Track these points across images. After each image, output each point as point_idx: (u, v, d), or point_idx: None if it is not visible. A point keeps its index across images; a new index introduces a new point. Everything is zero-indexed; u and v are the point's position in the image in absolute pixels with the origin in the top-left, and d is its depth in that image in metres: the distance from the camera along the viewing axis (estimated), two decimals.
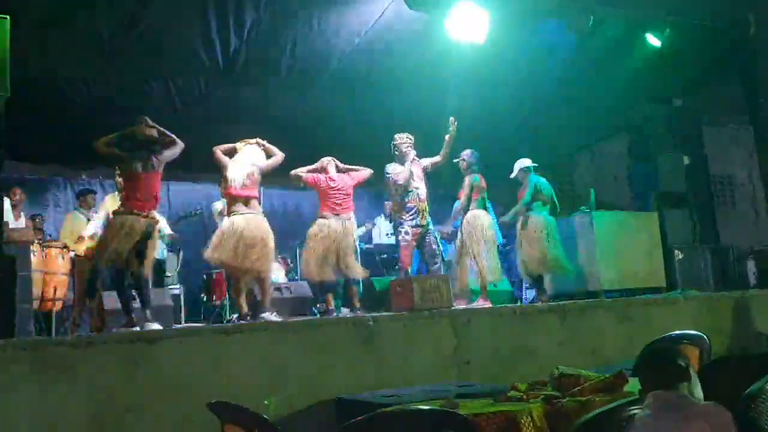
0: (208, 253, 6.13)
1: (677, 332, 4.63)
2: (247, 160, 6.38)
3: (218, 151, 6.41)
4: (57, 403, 4.12)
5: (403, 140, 7.07)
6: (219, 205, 8.52)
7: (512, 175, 7.72)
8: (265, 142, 6.54)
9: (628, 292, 7.92)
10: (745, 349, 6.49)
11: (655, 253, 8.52)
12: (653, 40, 8.24)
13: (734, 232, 9.70)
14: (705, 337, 4.49)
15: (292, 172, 6.88)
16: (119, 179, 6.35)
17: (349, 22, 7.65)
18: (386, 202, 9.91)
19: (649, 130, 9.84)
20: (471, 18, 7.26)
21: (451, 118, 7.01)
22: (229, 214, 6.25)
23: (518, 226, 7.58)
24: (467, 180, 7.34)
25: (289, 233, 9.51)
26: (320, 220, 6.77)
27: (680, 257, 8.51)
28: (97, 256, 5.80)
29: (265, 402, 2.95)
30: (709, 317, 6.83)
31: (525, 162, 7.69)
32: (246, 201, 6.24)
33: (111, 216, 6.01)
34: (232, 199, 6.27)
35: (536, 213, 7.49)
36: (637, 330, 6.15)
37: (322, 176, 6.88)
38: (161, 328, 5.50)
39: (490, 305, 6.98)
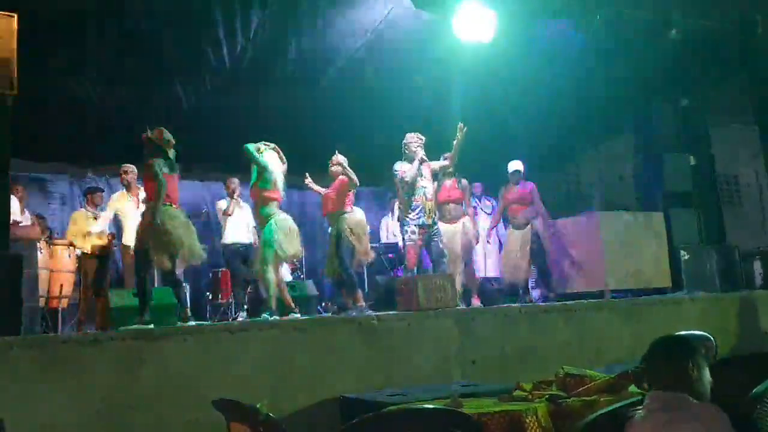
0: (284, 252, 6.29)
1: (683, 332, 4.63)
2: (279, 164, 6.56)
3: (255, 151, 6.47)
4: (63, 400, 4.13)
5: (414, 139, 7.05)
6: (223, 204, 8.53)
7: (513, 170, 7.86)
8: (278, 149, 6.69)
9: (634, 292, 7.90)
10: (751, 350, 6.47)
11: (661, 253, 8.49)
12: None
13: (740, 232, 9.66)
14: (711, 337, 4.49)
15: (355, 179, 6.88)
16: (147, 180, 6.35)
17: (355, 22, 7.66)
18: (394, 200, 9.90)
19: (656, 130, 9.78)
20: (477, 17, 7.26)
21: (460, 124, 6.96)
22: (269, 216, 6.37)
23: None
24: (466, 183, 7.47)
25: None
26: (353, 215, 6.91)
27: (686, 257, 8.48)
28: (149, 252, 5.81)
29: (257, 406, 2.94)
30: (715, 318, 6.82)
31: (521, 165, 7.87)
32: (279, 205, 6.50)
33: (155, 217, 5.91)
34: (271, 202, 6.42)
35: None
36: (642, 330, 6.14)
37: None
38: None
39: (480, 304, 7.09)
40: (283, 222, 6.37)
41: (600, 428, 2.78)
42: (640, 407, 2.63)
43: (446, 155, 7.28)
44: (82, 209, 8.08)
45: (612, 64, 8.51)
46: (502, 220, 8.71)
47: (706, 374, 2.63)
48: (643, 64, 8.55)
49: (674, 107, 9.87)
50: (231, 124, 8.50)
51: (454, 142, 7.02)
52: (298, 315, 6.18)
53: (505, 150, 9.21)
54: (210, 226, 9.64)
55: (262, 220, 6.47)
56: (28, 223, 7.41)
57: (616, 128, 10.24)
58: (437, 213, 7.15)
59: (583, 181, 10.64)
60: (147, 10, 6.97)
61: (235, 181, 8.33)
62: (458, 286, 7.08)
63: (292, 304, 6.37)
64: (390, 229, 9.78)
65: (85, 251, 7.48)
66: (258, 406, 2.95)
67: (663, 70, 8.77)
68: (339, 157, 6.97)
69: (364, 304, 6.77)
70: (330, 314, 7.47)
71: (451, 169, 7.40)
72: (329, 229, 7.21)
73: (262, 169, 6.44)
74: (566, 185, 10.64)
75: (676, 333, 4.51)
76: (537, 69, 8.35)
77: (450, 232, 7.33)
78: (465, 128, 6.92)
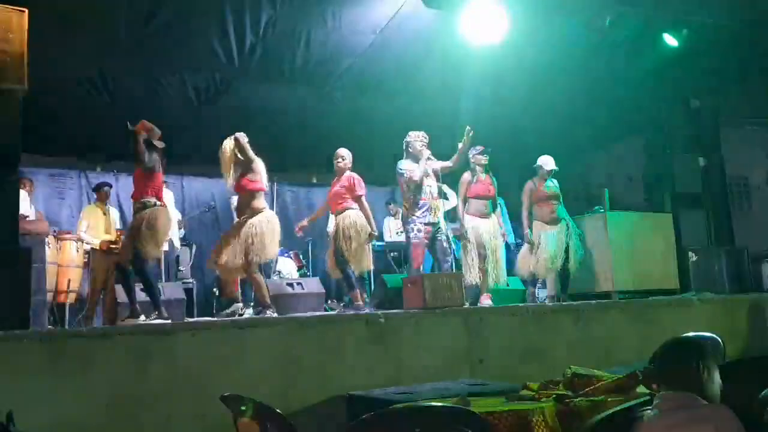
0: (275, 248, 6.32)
1: (691, 334, 4.60)
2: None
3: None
4: (70, 394, 4.14)
5: (418, 137, 6.98)
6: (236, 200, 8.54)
7: (550, 167, 7.68)
8: None
9: (642, 293, 7.87)
10: (760, 352, 6.44)
11: (670, 254, 8.47)
12: (671, 41, 8.23)
13: (750, 234, 9.61)
14: (719, 339, 4.47)
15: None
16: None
17: (365, 20, 7.65)
18: (389, 206, 9.95)
19: (665, 131, 9.77)
20: (487, 17, 7.24)
21: (467, 127, 6.91)
22: (260, 208, 6.33)
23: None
24: (490, 178, 7.35)
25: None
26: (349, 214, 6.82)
27: (695, 259, 8.45)
28: (143, 249, 5.82)
29: (242, 408, 2.94)
30: (724, 319, 6.80)
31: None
32: (264, 195, 6.47)
33: (149, 209, 5.94)
34: (259, 193, 6.40)
35: None
36: (650, 332, 6.13)
37: None
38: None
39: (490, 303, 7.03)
40: (272, 218, 6.34)
41: (608, 428, 2.77)
42: (649, 407, 2.63)
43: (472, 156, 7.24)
44: (92, 204, 8.13)
45: (622, 64, 8.48)
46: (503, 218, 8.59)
47: (716, 376, 2.62)
48: (654, 65, 8.52)
49: (685, 108, 9.84)
50: (240, 121, 8.51)
51: (460, 145, 6.97)
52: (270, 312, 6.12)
53: (513, 150, 9.19)
54: (218, 223, 9.65)
55: (252, 211, 6.32)
56: (35, 217, 7.45)
57: (626, 129, 10.21)
58: (473, 207, 7.18)
59: (592, 182, 10.62)
60: (157, 7, 6.98)
61: None
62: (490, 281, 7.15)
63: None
64: (392, 229, 9.78)
65: (95, 246, 7.52)
66: (242, 408, 2.94)
67: (674, 71, 8.74)
68: (343, 151, 6.95)
69: (362, 303, 6.74)
70: (337, 311, 7.46)
71: (485, 164, 7.29)
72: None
73: (250, 161, 6.39)
74: (575, 185, 10.61)
75: (685, 334, 4.50)
76: (546, 69, 8.33)
77: (487, 228, 7.22)
78: (472, 132, 6.86)
